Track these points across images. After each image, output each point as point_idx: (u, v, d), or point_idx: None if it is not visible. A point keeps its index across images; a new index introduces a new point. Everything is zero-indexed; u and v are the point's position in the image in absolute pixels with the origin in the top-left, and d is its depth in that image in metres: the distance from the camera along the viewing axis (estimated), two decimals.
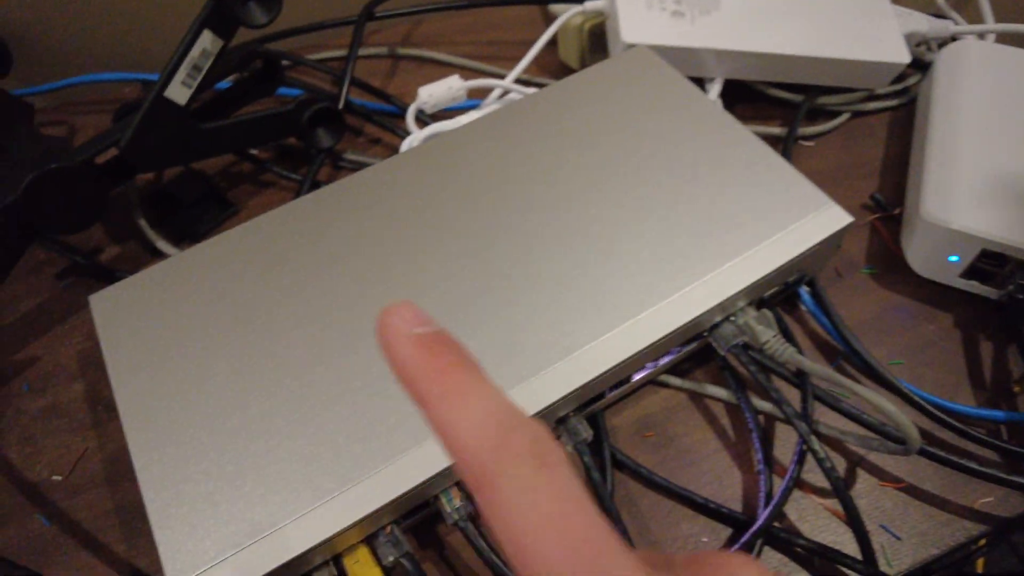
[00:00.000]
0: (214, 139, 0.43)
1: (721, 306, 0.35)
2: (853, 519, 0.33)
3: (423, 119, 0.48)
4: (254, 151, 0.50)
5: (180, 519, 0.30)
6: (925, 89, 0.50)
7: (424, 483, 0.31)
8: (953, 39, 0.53)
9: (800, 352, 0.36)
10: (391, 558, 0.32)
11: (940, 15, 0.57)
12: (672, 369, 0.40)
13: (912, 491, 0.36)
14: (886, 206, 0.46)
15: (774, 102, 0.52)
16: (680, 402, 0.39)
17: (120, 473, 0.37)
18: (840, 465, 0.37)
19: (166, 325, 0.36)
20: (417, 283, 0.36)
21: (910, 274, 0.43)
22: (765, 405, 0.38)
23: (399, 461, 0.31)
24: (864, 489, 0.36)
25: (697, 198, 0.38)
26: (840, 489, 0.33)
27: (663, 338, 0.34)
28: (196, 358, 0.34)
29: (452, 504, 0.33)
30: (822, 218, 0.37)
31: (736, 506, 0.36)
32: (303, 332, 0.35)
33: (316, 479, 0.31)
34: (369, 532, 0.32)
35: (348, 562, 0.32)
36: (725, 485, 0.36)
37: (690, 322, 0.34)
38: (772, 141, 0.50)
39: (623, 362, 0.33)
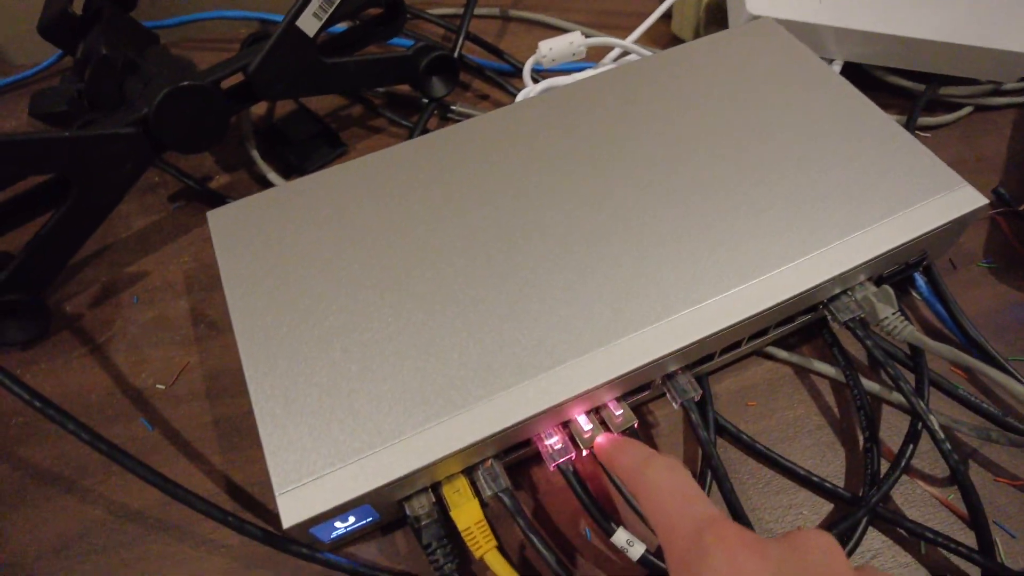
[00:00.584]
0: (336, 74, 0.43)
1: (842, 278, 0.34)
2: (972, 505, 0.31)
3: (536, 78, 0.48)
4: (367, 96, 0.50)
5: (288, 430, 0.30)
6: None
7: (529, 419, 0.30)
8: None
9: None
10: (489, 492, 0.31)
11: None
12: (779, 342, 0.38)
13: None
14: (1010, 200, 0.44)
15: (892, 90, 0.50)
16: (784, 375, 0.38)
17: (220, 389, 0.38)
18: (951, 456, 0.36)
19: (281, 245, 0.36)
20: (530, 226, 0.36)
21: None
22: (872, 387, 0.37)
23: (507, 395, 0.31)
24: (976, 483, 0.35)
25: (824, 168, 0.37)
26: (959, 472, 0.31)
27: (781, 303, 0.33)
28: (309, 278, 0.35)
29: (554, 444, 0.32)
30: (953, 198, 0.36)
31: (838, 482, 0.34)
32: (416, 262, 0.35)
33: (425, 404, 0.31)
34: (469, 464, 0.32)
35: (447, 490, 0.32)
36: (827, 461, 0.35)
37: (810, 290, 0.33)
38: None
39: (737, 324, 0.32)
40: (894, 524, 0.33)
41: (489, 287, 0.34)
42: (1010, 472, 0.35)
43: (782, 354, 0.38)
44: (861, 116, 0.39)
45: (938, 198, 0.36)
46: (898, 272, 0.37)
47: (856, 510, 0.32)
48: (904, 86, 0.50)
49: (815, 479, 0.34)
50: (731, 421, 0.36)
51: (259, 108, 0.50)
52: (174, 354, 0.39)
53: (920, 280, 0.40)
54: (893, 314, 0.35)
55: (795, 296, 0.33)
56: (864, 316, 0.36)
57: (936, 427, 0.32)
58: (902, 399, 0.36)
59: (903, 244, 0.34)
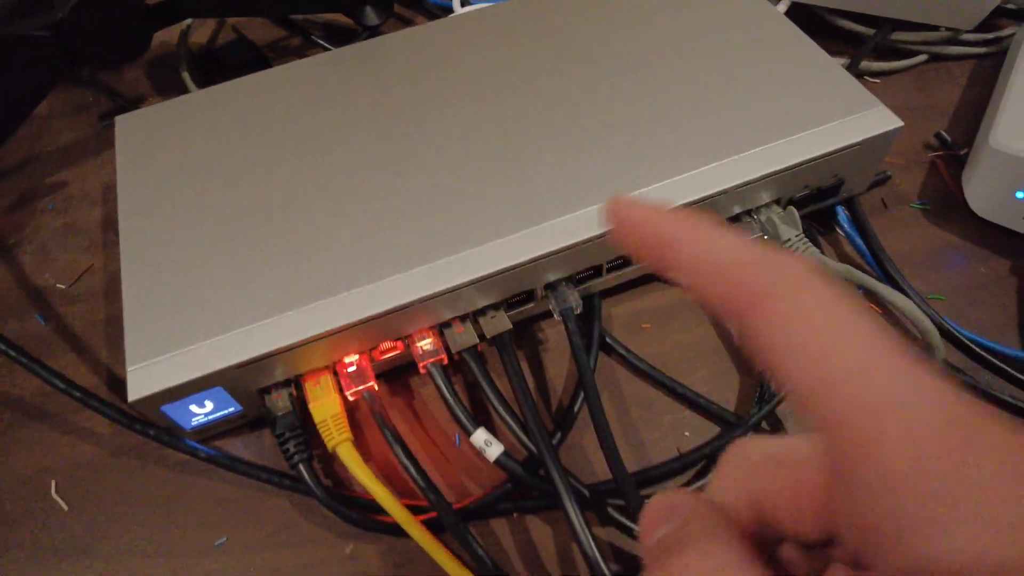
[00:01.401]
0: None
1: (740, 192, 0.33)
2: None
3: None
4: (306, 26, 0.50)
5: (150, 312, 0.30)
6: (1020, 34, 0.45)
7: (394, 311, 0.29)
8: None
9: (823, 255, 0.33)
10: (352, 389, 0.31)
11: None
12: None
13: None
14: (952, 144, 0.42)
15: (843, 35, 0.48)
16: (687, 300, 0.37)
17: (117, 290, 0.38)
18: None
19: (179, 147, 0.36)
20: (419, 132, 0.35)
21: (967, 215, 0.39)
22: None
23: (372, 288, 0.30)
24: None
25: (734, 84, 0.36)
26: None
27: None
28: (200, 179, 0.35)
29: (425, 346, 0.31)
30: (866, 119, 0.34)
31: (728, 406, 0.33)
32: (301, 166, 0.34)
33: (287, 292, 0.30)
34: (336, 359, 0.31)
35: (309, 384, 0.31)
36: (720, 386, 0.34)
37: (700, 201, 0.32)
38: None
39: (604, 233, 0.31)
40: None
41: (367, 191, 0.33)
42: None
43: None
44: (781, 36, 0.38)
45: (850, 119, 0.34)
46: (811, 197, 0.36)
47: (732, 428, 0.31)
48: (855, 30, 0.48)
49: (700, 400, 0.32)
50: (622, 341, 0.35)
51: (200, 36, 0.51)
52: (80, 258, 0.39)
53: (842, 213, 0.38)
54: (796, 236, 0.34)
55: (683, 207, 0.32)
56: (767, 238, 0.34)
57: None
58: None
59: (804, 161, 0.33)
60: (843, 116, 0.34)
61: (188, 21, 0.48)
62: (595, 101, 0.36)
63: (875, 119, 0.34)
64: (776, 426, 0.33)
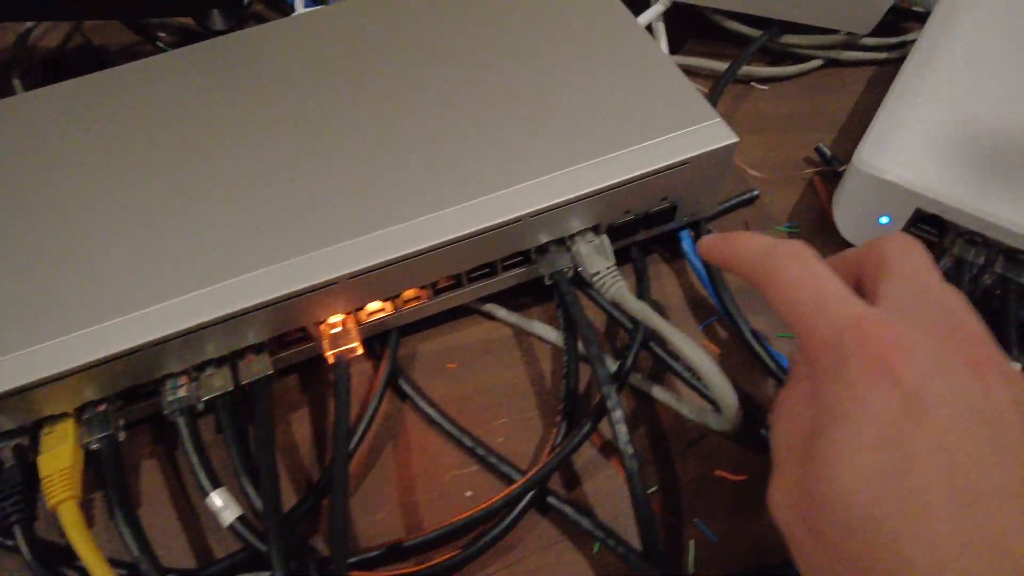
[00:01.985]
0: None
1: (542, 221, 0.29)
2: (636, 499, 0.26)
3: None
4: (161, 32, 0.47)
5: None
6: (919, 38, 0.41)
7: (133, 351, 0.26)
8: None
9: (635, 294, 0.29)
10: (94, 437, 0.27)
11: None
12: (507, 302, 0.33)
13: (753, 488, 0.29)
14: (832, 160, 0.38)
15: (733, 37, 0.44)
16: (503, 338, 0.33)
17: None
18: (670, 440, 0.30)
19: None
20: (218, 146, 0.32)
21: (839, 241, 0.35)
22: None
23: (113, 324, 0.26)
24: (695, 473, 0.29)
25: (556, 93, 0.32)
26: (627, 456, 0.26)
27: (448, 244, 0.28)
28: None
29: (175, 392, 0.28)
30: (697, 135, 0.30)
31: (523, 462, 0.29)
32: (71, 180, 0.31)
33: (22, 326, 0.27)
34: (76, 405, 0.28)
35: (44, 432, 0.28)
36: (520, 437, 0.30)
37: (488, 231, 0.28)
38: (716, 79, 0.42)
39: (393, 263, 0.28)
40: (560, 514, 0.27)
41: (127, 213, 0.30)
42: (736, 464, 0.29)
43: (501, 313, 0.33)
44: (623, 44, 0.34)
45: (675, 135, 0.30)
46: (638, 223, 0.32)
47: (514, 489, 0.27)
48: (744, 32, 0.43)
49: (490, 456, 0.29)
50: (420, 382, 0.31)
51: (50, 41, 0.48)
52: None
53: (687, 239, 0.34)
54: (607, 268, 0.30)
55: (460, 238, 0.28)
56: (581, 270, 0.30)
57: (612, 400, 0.26)
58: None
59: (612, 186, 0.29)
60: (669, 131, 0.30)
61: (28, 25, 0.46)
62: (394, 115, 0.32)
63: (708, 134, 0.30)
64: (573, 486, 0.29)
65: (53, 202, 0.31)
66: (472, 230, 0.28)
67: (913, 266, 0.21)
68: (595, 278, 0.30)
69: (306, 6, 0.44)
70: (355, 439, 0.29)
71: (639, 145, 0.30)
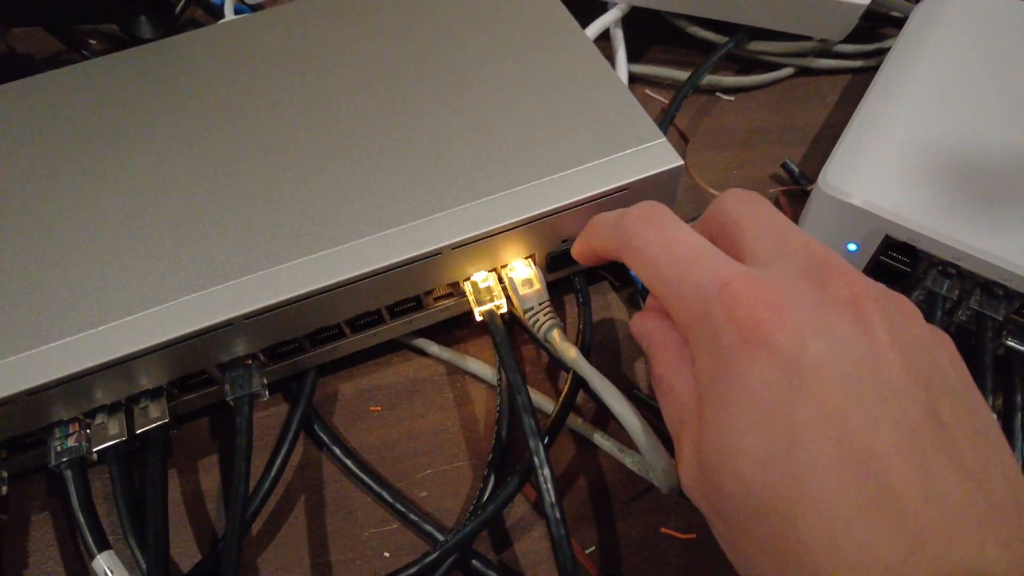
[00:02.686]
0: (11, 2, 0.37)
1: (470, 251, 0.26)
2: (561, 566, 0.23)
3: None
4: (92, 40, 0.44)
5: None
6: (891, 49, 0.38)
7: (9, 399, 0.23)
8: None
9: (577, 329, 0.26)
10: None
11: None
12: (441, 336, 0.31)
13: (704, 548, 0.26)
14: (799, 178, 0.35)
15: (697, 44, 0.41)
16: (434, 376, 0.30)
17: None
18: (617, 494, 0.27)
19: None
20: (110, 167, 0.29)
21: None
22: (538, 397, 0.29)
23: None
24: (640, 531, 0.26)
25: (491, 114, 0.29)
26: (552, 520, 0.23)
27: (363, 277, 0.25)
28: None
29: (63, 443, 0.25)
30: (639, 157, 0.28)
31: (449, 517, 0.27)
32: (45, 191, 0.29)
33: None
34: None
35: None
36: (447, 490, 0.27)
37: (409, 262, 0.26)
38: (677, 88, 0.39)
39: (297, 300, 0.25)
40: None
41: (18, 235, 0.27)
42: (685, 520, 0.26)
43: (433, 349, 0.30)
44: (567, 55, 0.31)
45: (615, 158, 0.28)
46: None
47: (430, 551, 0.24)
48: (709, 39, 0.41)
49: (410, 512, 0.26)
50: (339, 427, 0.28)
51: None
52: None
53: None
54: (540, 305, 0.27)
55: (373, 272, 0.25)
56: (512, 309, 0.28)
57: (540, 456, 0.24)
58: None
59: (542, 215, 0.26)
60: (610, 153, 0.28)
61: None
62: (318, 134, 0.29)
63: (651, 156, 0.28)
64: (503, 545, 0.26)
65: None
66: (386, 263, 0.25)
67: (763, 215, 0.20)
68: (527, 314, 0.27)
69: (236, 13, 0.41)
70: (262, 492, 0.26)
71: (576, 168, 0.27)
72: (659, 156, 0.28)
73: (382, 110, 0.30)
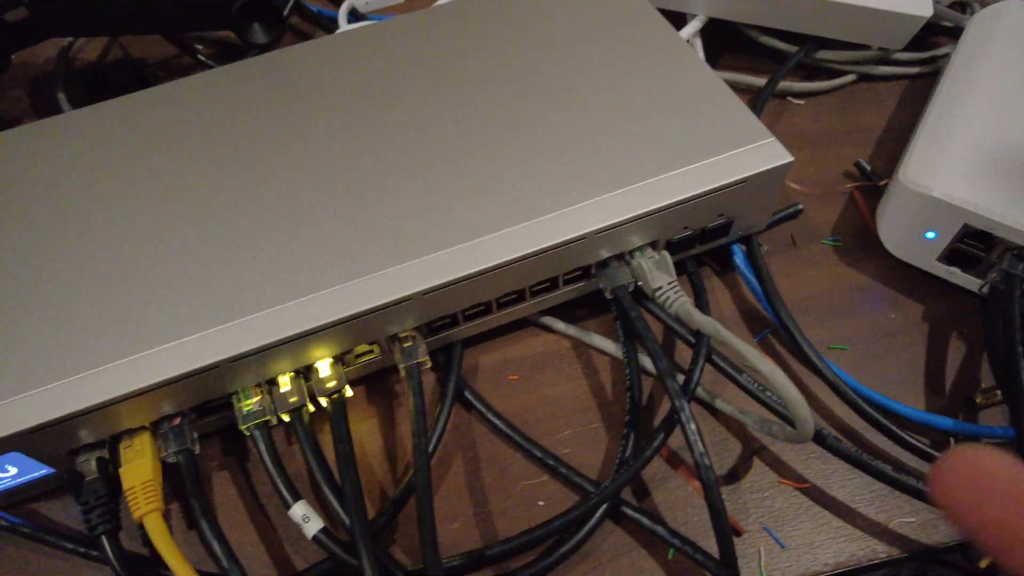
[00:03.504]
0: (131, 13, 0.40)
1: (604, 237, 0.30)
2: (713, 509, 0.26)
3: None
4: (198, 44, 0.47)
5: None
6: (952, 57, 0.42)
7: (204, 370, 0.27)
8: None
9: (695, 306, 0.30)
10: (170, 450, 0.28)
11: None
12: (563, 314, 0.34)
13: (816, 495, 0.29)
14: (871, 175, 0.39)
15: (766, 52, 0.45)
16: (562, 350, 0.33)
17: None
18: (733, 451, 0.31)
19: (34, 174, 0.33)
20: (280, 164, 0.32)
21: (883, 254, 0.36)
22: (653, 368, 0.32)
23: (189, 340, 0.27)
24: (758, 483, 0.30)
25: (615, 115, 0.33)
26: (703, 467, 0.26)
27: (519, 260, 0.29)
28: (33, 215, 0.32)
29: (249, 406, 0.29)
30: (753, 154, 0.31)
31: (591, 472, 0.30)
32: (137, 200, 0.32)
33: (101, 344, 0.27)
34: (153, 419, 0.28)
35: (123, 445, 0.28)
36: (586, 448, 0.31)
37: (557, 247, 0.29)
38: (753, 93, 0.43)
39: (466, 279, 0.28)
40: (635, 523, 0.28)
41: (191, 233, 0.30)
42: (797, 473, 0.30)
43: (559, 326, 0.34)
44: (675, 64, 0.35)
45: (733, 154, 0.31)
46: (695, 238, 0.33)
47: (586, 498, 0.28)
48: (778, 48, 0.44)
49: (560, 466, 0.29)
50: (484, 394, 0.32)
51: (89, 53, 0.48)
52: None
53: (740, 253, 0.35)
54: (669, 284, 0.30)
55: (531, 254, 0.29)
56: (641, 285, 0.31)
57: (685, 413, 0.27)
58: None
59: (676, 203, 0.30)
60: (728, 150, 0.31)
61: (69, 39, 0.46)
62: (456, 135, 0.33)
63: (764, 154, 0.31)
64: (643, 496, 0.29)
65: (122, 221, 0.31)
66: (541, 247, 0.29)
67: None
68: (657, 293, 0.30)
69: (348, 22, 0.44)
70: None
71: (699, 163, 0.31)
72: (772, 153, 0.31)
73: (520, 113, 0.33)
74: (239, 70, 0.37)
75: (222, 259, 0.29)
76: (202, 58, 0.46)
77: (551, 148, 0.32)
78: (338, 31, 0.41)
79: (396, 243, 0.29)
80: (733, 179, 0.30)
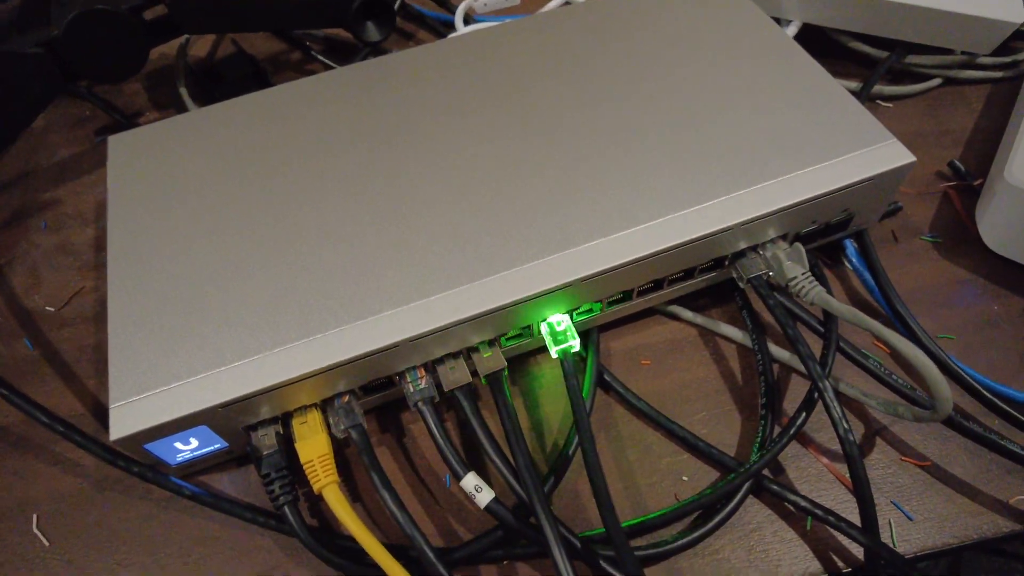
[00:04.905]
0: (261, 13, 0.42)
1: (745, 229, 0.32)
2: (857, 480, 0.28)
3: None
4: (307, 42, 0.49)
5: (136, 347, 0.29)
6: None
7: (384, 349, 0.29)
8: None
9: (830, 293, 0.32)
10: (342, 427, 0.30)
11: None
12: (687, 304, 0.36)
13: (937, 472, 0.32)
14: (966, 175, 0.41)
15: (855, 57, 0.47)
16: (689, 337, 0.36)
17: (107, 314, 0.37)
18: (859, 431, 0.33)
19: (173, 173, 0.35)
20: (417, 165, 0.34)
21: (981, 250, 0.38)
22: (782, 354, 0.34)
23: (363, 324, 0.29)
24: (882, 461, 0.32)
25: (745, 117, 0.35)
26: (847, 442, 0.29)
27: (668, 250, 0.31)
28: (192, 206, 0.34)
29: (416, 384, 0.31)
30: (878, 154, 0.33)
31: (729, 450, 0.32)
32: (296, 193, 0.34)
33: (274, 329, 0.29)
34: (324, 397, 0.30)
35: (296, 422, 0.30)
36: (720, 428, 0.33)
37: (702, 238, 0.31)
38: None
39: (617, 268, 0.30)
40: (778, 497, 0.30)
41: (360, 221, 0.32)
42: (918, 452, 0.32)
43: (687, 314, 0.36)
44: (794, 66, 0.37)
45: (859, 153, 0.33)
46: (819, 232, 0.35)
47: (734, 475, 0.30)
48: (868, 53, 0.46)
49: (700, 443, 0.31)
50: (619, 378, 0.34)
51: (200, 49, 0.50)
52: (70, 279, 0.39)
53: (851, 247, 0.37)
54: (803, 274, 0.32)
55: (681, 245, 0.31)
56: (773, 275, 0.33)
57: (829, 394, 0.29)
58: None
59: (813, 198, 0.32)
60: (855, 150, 0.33)
61: (186, 35, 0.48)
62: (597, 131, 0.35)
63: (887, 154, 0.33)
64: (777, 472, 0.32)
65: (303, 210, 0.33)
66: (691, 237, 0.31)
67: None
68: (792, 283, 0.32)
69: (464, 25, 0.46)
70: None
71: (831, 161, 0.33)
72: (896, 153, 0.33)
73: (658, 114, 0.35)
74: (373, 67, 0.39)
75: (396, 248, 0.31)
76: (315, 54, 0.48)
77: (691, 147, 0.34)
78: (460, 31, 0.43)
79: (554, 234, 0.31)
80: (862, 177, 0.32)
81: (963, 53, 0.46)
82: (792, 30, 0.45)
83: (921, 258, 0.39)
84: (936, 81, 0.46)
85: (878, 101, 0.46)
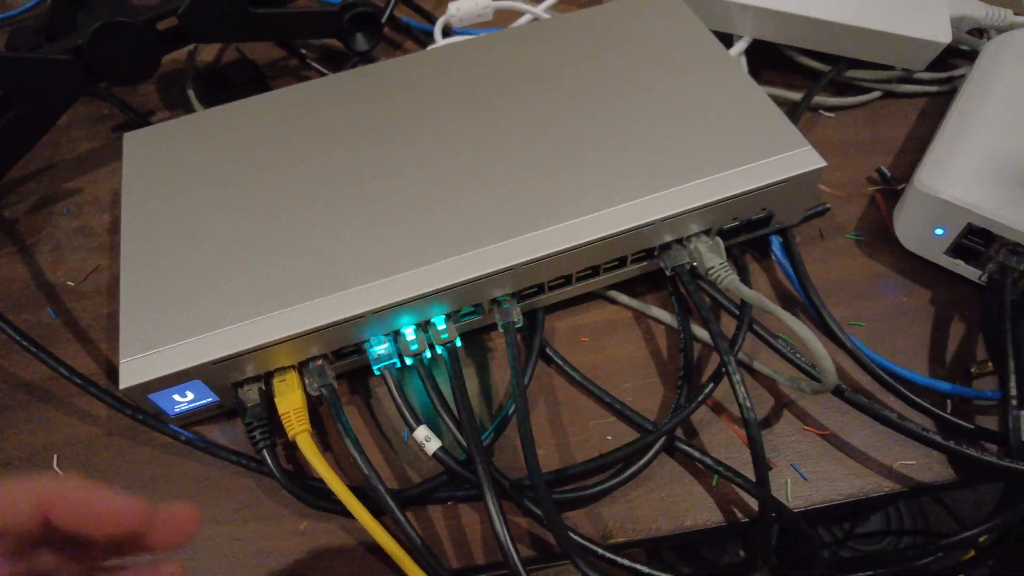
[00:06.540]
0: (262, 24, 0.47)
1: (670, 224, 0.36)
2: (752, 441, 0.33)
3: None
4: (302, 49, 0.54)
5: (143, 312, 0.35)
6: (967, 77, 0.48)
7: (352, 319, 0.34)
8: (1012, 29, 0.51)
9: (743, 283, 0.36)
10: (316, 385, 0.35)
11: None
12: (625, 289, 0.41)
13: (835, 441, 0.36)
14: (891, 180, 0.45)
15: (802, 70, 0.51)
16: (624, 319, 0.40)
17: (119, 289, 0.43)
18: (767, 404, 0.37)
19: (180, 166, 0.41)
20: (395, 157, 0.39)
21: (898, 248, 0.42)
22: (703, 334, 0.39)
23: (334, 297, 0.34)
24: (787, 430, 0.36)
25: (677, 122, 0.39)
26: (745, 408, 0.33)
27: (598, 240, 0.35)
28: (195, 196, 0.39)
29: (380, 351, 0.36)
30: (793, 159, 0.38)
31: (649, 416, 0.37)
32: (291, 182, 0.39)
33: (262, 299, 0.34)
34: (301, 359, 0.35)
35: (276, 380, 0.35)
36: (644, 397, 0.37)
37: (630, 231, 0.36)
38: (790, 106, 0.50)
39: (557, 254, 0.35)
40: (689, 456, 0.35)
41: (339, 210, 0.37)
42: (819, 422, 0.37)
43: (623, 298, 0.40)
44: (728, 81, 0.41)
45: (776, 158, 0.38)
46: (741, 228, 0.39)
47: (648, 434, 0.35)
48: (813, 67, 0.51)
49: (625, 409, 0.36)
50: (560, 352, 0.38)
51: (207, 56, 0.55)
52: (89, 258, 0.44)
53: (776, 243, 0.42)
54: (720, 264, 0.37)
55: (612, 236, 0.35)
56: (696, 265, 0.38)
57: (732, 366, 0.34)
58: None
59: (730, 197, 0.36)
60: (771, 155, 0.38)
61: (195, 44, 0.53)
62: (545, 135, 0.39)
63: (801, 159, 0.38)
64: (692, 436, 0.36)
65: (299, 194, 0.38)
66: (618, 230, 0.35)
67: None
68: (710, 271, 0.37)
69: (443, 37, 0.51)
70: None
71: (749, 165, 0.37)
72: (808, 159, 0.38)
73: (599, 121, 0.40)
74: (361, 74, 0.44)
75: (368, 233, 0.36)
76: (310, 61, 0.53)
77: (624, 150, 0.38)
78: (441, 43, 0.48)
79: (504, 223, 0.36)
80: (776, 179, 0.37)
81: (903, 69, 0.50)
82: (743, 45, 0.50)
83: (844, 254, 0.43)
84: (876, 94, 0.50)
85: (821, 111, 0.50)
